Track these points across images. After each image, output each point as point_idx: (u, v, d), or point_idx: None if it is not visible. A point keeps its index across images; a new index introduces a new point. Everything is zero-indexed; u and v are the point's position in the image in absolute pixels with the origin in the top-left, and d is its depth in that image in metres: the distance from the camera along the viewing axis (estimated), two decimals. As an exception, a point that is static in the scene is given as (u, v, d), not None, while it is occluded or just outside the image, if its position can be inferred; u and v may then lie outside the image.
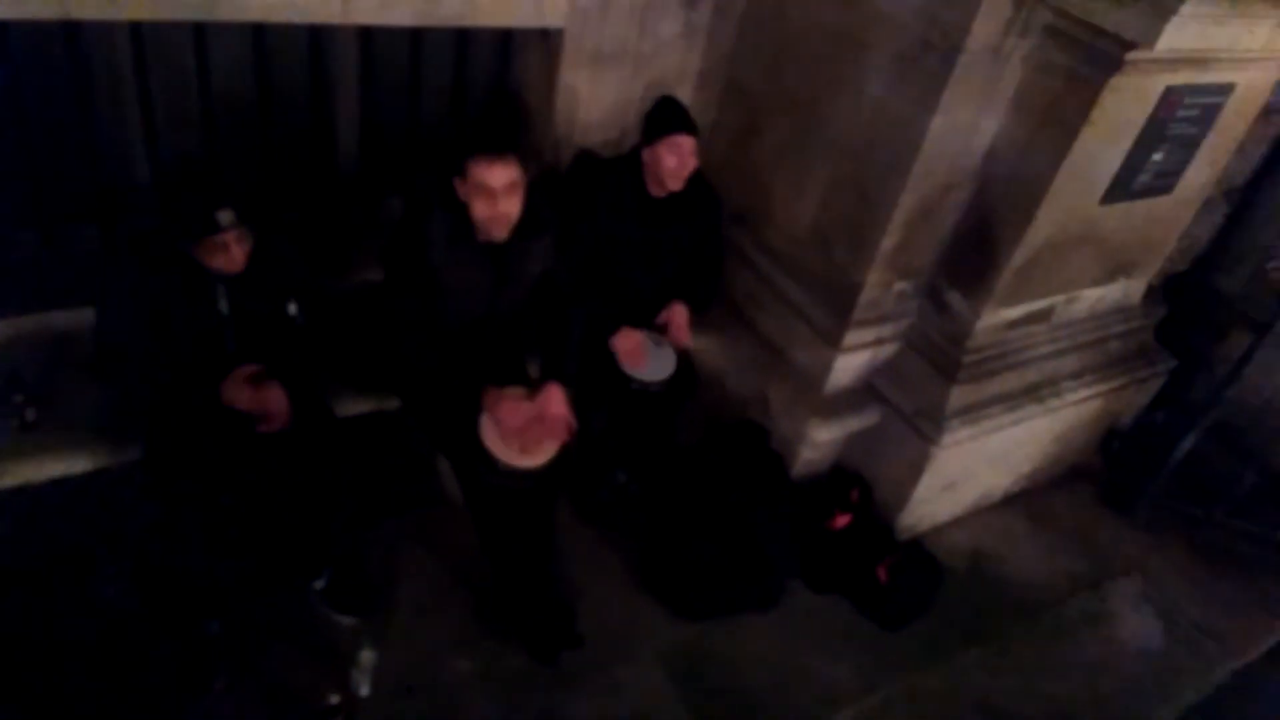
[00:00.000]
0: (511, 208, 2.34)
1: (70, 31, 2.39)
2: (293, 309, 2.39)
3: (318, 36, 2.76)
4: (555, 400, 2.50)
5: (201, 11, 2.33)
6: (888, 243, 2.87)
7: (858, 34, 2.77)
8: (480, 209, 2.32)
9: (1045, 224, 2.80)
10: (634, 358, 2.85)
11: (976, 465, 3.33)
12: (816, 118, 2.98)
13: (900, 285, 3.05)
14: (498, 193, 2.30)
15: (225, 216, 2.07)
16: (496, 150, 2.31)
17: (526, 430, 2.40)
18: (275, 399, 2.26)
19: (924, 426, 3.07)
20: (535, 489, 2.51)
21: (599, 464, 3.11)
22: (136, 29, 2.48)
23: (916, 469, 3.13)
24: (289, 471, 2.34)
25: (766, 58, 3.14)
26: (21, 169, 2.56)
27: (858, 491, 3.18)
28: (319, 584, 2.55)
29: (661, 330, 2.98)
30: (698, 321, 3.29)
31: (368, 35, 2.83)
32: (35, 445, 2.31)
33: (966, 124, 2.70)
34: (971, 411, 3.10)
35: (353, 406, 2.70)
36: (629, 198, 2.84)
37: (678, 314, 2.98)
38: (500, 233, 2.37)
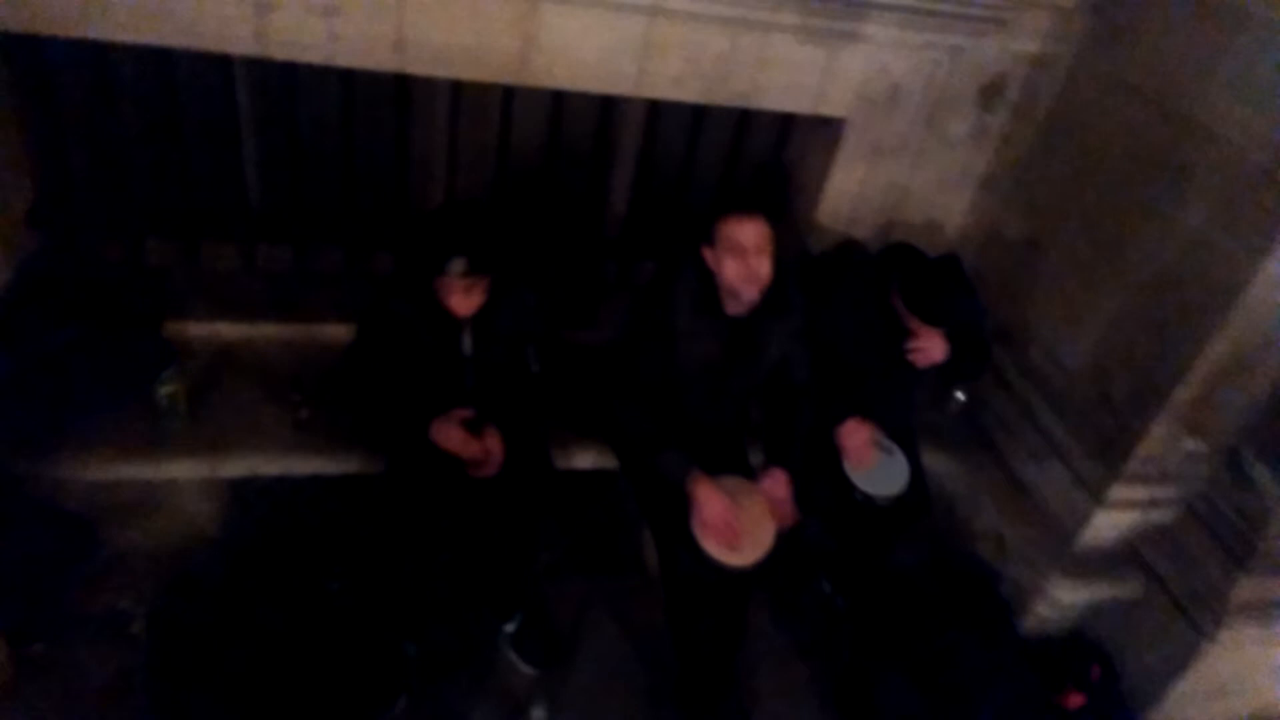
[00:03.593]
0: (763, 268, 2.29)
1: (401, 83, 2.70)
2: (530, 357, 2.48)
3: (608, 106, 2.91)
4: (779, 484, 2.39)
5: (513, 77, 2.54)
6: (1183, 393, 2.49)
7: (1180, 155, 2.47)
8: (731, 268, 2.29)
9: (1402, 406, 2.30)
10: (861, 455, 2.66)
11: (1257, 674, 2.78)
12: (1114, 241, 2.68)
13: (1191, 444, 2.64)
14: (749, 250, 2.26)
15: (456, 265, 2.16)
16: (747, 209, 2.29)
17: (726, 525, 2.30)
18: (491, 448, 2.33)
19: (1197, 614, 2.61)
20: (734, 585, 2.40)
21: (805, 569, 2.94)
22: (457, 86, 2.75)
23: (1178, 662, 2.66)
24: (495, 512, 2.40)
25: (1065, 168, 2.88)
26: (341, 195, 2.91)
27: (1099, 670, 2.75)
28: (509, 627, 2.60)
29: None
30: (936, 438, 3.06)
31: (654, 108, 2.95)
32: (302, 441, 2.57)
33: (1309, 274, 2.30)
34: (1263, 609, 2.60)
35: (574, 459, 2.76)
36: (878, 295, 2.69)
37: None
38: (751, 293, 2.31)
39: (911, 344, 2.59)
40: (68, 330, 2.45)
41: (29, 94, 2.52)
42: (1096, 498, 2.71)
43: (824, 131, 2.98)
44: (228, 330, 2.79)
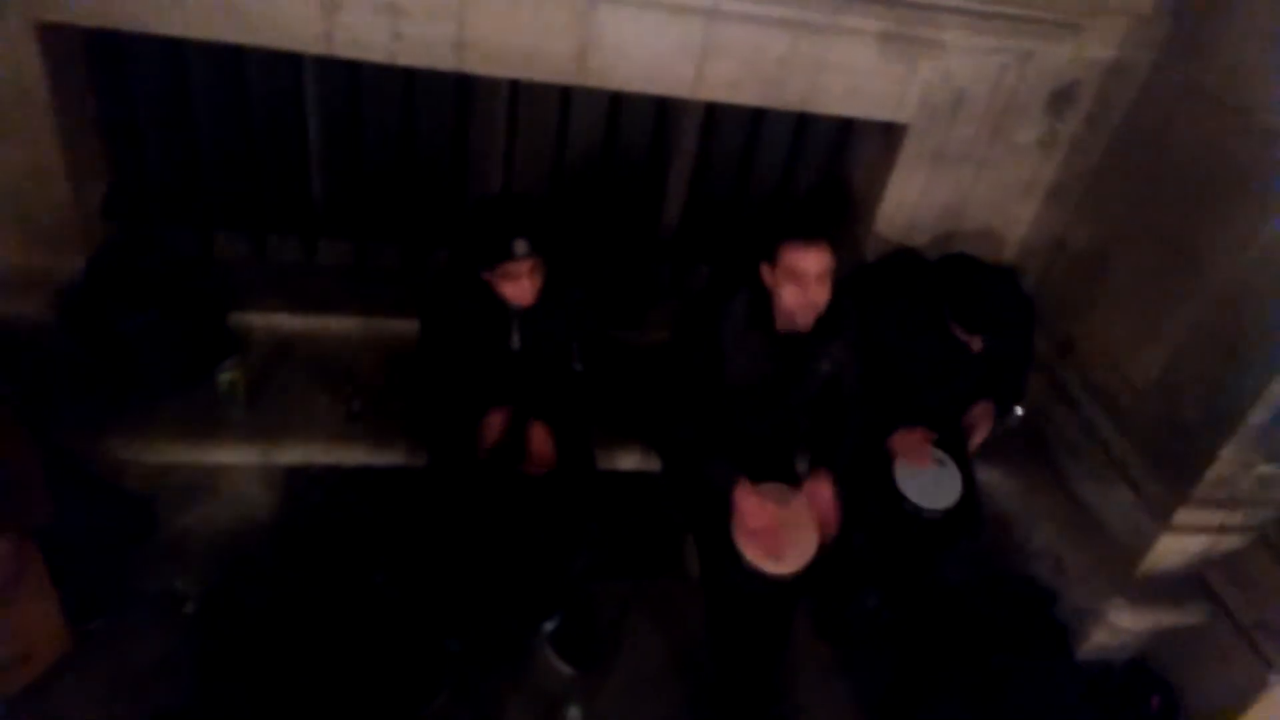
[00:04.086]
0: (820, 296, 2.26)
1: (461, 83, 2.73)
2: (575, 354, 2.48)
3: (665, 108, 2.91)
4: (823, 489, 2.35)
5: (570, 78, 2.55)
6: (1259, 415, 2.38)
7: (1260, 167, 2.36)
8: (789, 295, 2.26)
9: None
10: (917, 454, 2.62)
11: (1333, 714, 2.62)
12: (1188, 254, 2.57)
13: (1265, 469, 2.51)
14: (810, 278, 2.23)
15: (520, 246, 2.15)
16: (811, 235, 2.25)
17: (768, 533, 2.27)
18: (540, 445, 2.34)
19: (1265, 646, 2.49)
20: (777, 594, 2.37)
21: (850, 580, 2.88)
22: (515, 85, 2.78)
23: (1245, 696, 2.53)
24: (538, 510, 2.41)
25: (1138, 178, 2.78)
26: (400, 192, 2.96)
27: (1159, 701, 2.64)
28: (549, 626, 2.60)
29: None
30: (992, 453, 2.97)
31: (711, 111, 2.93)
32: (354, 433, 2.62)
33: (1400, 291, 2.17)
34: (1339, 646, 2.45)
35: (617, 461, 2.75)
36: (932, 306, 2.63)
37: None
38: (805, 321, 2.29)
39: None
40: (137, 318, 2.53)
41: (107, 89, 2.62)
42: (1162, 521, 2.60)
43: (884, 138, 2.93)
44: (288, 322, 2.86)
